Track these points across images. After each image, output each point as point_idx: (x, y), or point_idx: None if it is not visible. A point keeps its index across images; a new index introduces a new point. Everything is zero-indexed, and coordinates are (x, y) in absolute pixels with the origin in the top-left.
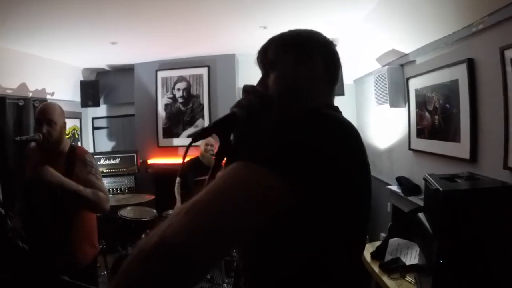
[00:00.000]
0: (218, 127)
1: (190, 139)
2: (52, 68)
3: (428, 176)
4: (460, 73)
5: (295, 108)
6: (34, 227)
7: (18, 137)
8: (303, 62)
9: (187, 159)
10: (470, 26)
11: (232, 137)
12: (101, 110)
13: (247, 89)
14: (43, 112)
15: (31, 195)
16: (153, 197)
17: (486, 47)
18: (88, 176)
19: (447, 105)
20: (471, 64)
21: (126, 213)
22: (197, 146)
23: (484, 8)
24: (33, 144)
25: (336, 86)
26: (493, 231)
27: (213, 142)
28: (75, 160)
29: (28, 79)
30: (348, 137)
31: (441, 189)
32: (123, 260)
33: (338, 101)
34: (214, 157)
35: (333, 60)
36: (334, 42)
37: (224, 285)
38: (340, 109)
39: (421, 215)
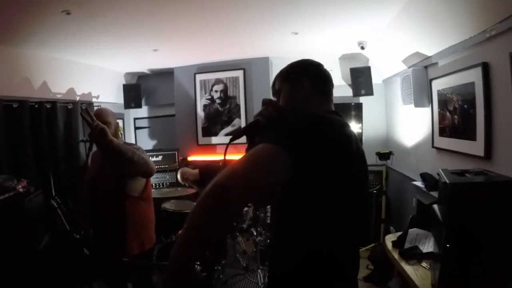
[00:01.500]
0: (246, 131)
1: (228, 137)
2: (97, 73)
3: (441, 171)
4: (476, 76)
5: (293, 116)
6: (94, 222)
7: (82, 138)
8: (294, 86)
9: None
10: (484, 32)
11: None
12: (142, 111)
13: (266, 102)
14: (99, 115)
15: (92, 193)
16: (194, 191)
17: (499, 51)
18: (140, 163)
19: (465, 106)
20: (485, 68)
21: (169, 205)
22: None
23: (496, 14)
24: (95, 148)
25: (330, 95)
26: (495, 222)
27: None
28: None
29: (75, 84)
30: (336, 130)
31: (448, 181)
32: (167, 249)
33: (368, 100)
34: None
35: (318, 77)
36: (320, 64)
37: (259, 271)
38: (371, 108)
39: (435, 206)
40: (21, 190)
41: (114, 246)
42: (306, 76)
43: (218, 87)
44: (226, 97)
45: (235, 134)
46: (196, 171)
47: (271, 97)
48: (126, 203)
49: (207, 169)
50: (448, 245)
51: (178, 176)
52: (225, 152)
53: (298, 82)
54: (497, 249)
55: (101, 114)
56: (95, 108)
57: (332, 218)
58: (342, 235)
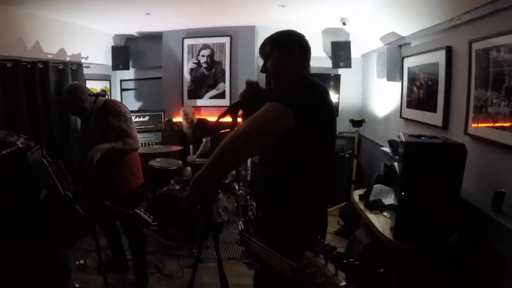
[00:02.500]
0: (230, 111)
1: (212, 100)
2: (87, 34)
3: (401, 134)
4: (440, 57)
5: (286, 80)
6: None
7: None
8: (284, 53)
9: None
10: (450, 20)
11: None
12: (130, 73)
13: (248, 84)
14: (71, 93)
15: (86, 144)
16: (181, 147)
17: (461, 38)
18: (119, 124)
19: (430, 82)
20: (449, 51)
21: (156, 163)
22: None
23: (462, 6)
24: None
25: (309, 61)
26: (442, 177)
27: (188, 111)
28: (108, 111)
29: (66, 44)
30: (323, 91)
31: (404, 140)
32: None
33: (346, 72)
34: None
35: (304, 46)
36: (304, 35)
37: (240, 222)
38: (348, 80)
39: (395, 164)
40: (20, 145)
41: (104, 188)
42: (296, 45)
43: (205, 52)
44: (212, 62)
45: (221, 114)
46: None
47: (257, 62)
48: (111, 157)
49: (204, 123)
50: (403, 193)
51: (181, 113)
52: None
53: (289, 50)
54: (443, 199)
55: (72, 92)
56: (84, 69)
57: (320, 157)
58: (325, 170)
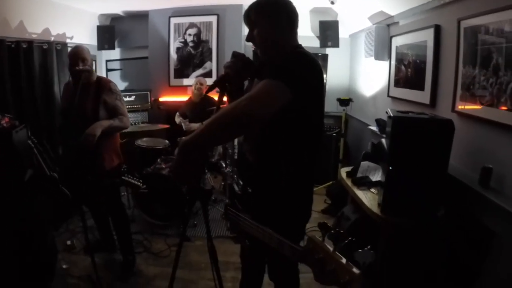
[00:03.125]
0: (217, 84)
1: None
2: (72, 14)
3: (389, 110)
4: (428, 36)
5: (274, 50)
6: (71, 143)
7: (76, 68)
8: (272, 21)
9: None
10: None
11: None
12: (115, 53)
13: (234, 55)
14: (76, 53)
15: (67, 119)
16: (167, 126)
17: (449, 17)
18: (114, 102)
19: (418, 61)
20: (437, 29)
21: (142, 142)
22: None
23: None
24: (69, 79)
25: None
26: (426, 149)
27: (203, 82)
28: (102, 88)
29: (50, 24)
30: (317, 65)
31: (392, 115)
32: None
33: (334, 52)
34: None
35: (292, 13)
36: (291, 2)
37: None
38: (336, 59)
39: (383, 141)
40: (5, 124)
41: (87, 165)
42: (284, 12)
43: (192, 31)
44: (199, 41)
45: (209, 87)
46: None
47: (244, 40)
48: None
49: (210, 99)
50: (390, 168)
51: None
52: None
53: (276, 18)
54: (431, 174)
55: (79, 52)
56: (69, 49)
57: (313, 132)
58: (317, 146)
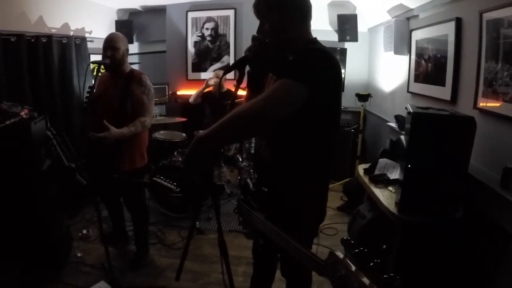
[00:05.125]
0: (236, 65)
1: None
2: (90, 9)
3: (409, 105)
4: (449, 29)
5: (287, 43)
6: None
7: (93, 61)
8: (285, 14)
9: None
10: None
11: (247, 69)
12: (133, 47)
13: (254, 38)
14: (109, 40)
15: (94, 110)
16: (184, 119)
17: (471, 9)
18: (141, 96)
19: (438, 55)
20: (458, 22)
21: (159, 135)
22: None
23: None
24: (103, 71)
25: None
26: (448, 148)
27: (220, 75)
28: (132, 79)
29: (70, 19)
30: (334, 60)
31: (411, 111)
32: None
33: (352, 46)
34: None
35: (305, 5)
36: None
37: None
38: (355, 54)
39: (402, 137)
40: (24, 116)
41: (107, 162)
42: (297, 5)
43: (209, 25)
44: (216, 35)
45: (227, 69)
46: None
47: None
48: (125, 121)
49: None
50: (409, 166)
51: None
52: (219, 83)
53: (289, 10)
54: (450, 173)
55: (112, 39)
56: (88, 43)
57: (330, 129)
58: (333, 143)
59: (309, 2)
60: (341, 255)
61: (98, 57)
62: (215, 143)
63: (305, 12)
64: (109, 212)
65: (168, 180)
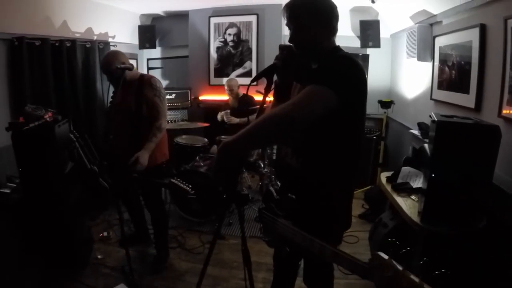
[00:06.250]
0: (265, 73)
1: (239, 79)
2: (113, 14)
3: (433, 113)
4: (473, 36)
5: (315, 53)
6: (116, 140)
7: (118, 65)
8: (322, 27)
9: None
10: None
11: (275, 77)
12: (156, 52)
13: (282, 47)
14: (102, 67)
15: (116, 114)
16: (206, 124)
17: (495, 15)
18: (153, 98)
19: (462, 62)
20: (483, 29)
21: (181, 140)
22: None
23: None
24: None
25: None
26: (470, 156)
27: (231, 83)
28: (144, 84)
29: (93, 24)
30: (361, 68)
31: (436, 119)
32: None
33: (375, 52)
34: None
35: (337, 19)
36: (335, 6)
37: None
38: (377, 60)
39: (426, 146)
40: (48, 119)
41: (129, 160)
42: (334, 19)
43: (232, 31)
44: (239, 41)
45: (255, 76)
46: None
47: (284, 40)
48: (143, 123)
49: (248, 98)
50: (433, 175)
51: (226, 85)
52: (247, 90)
53: (328, 21)
54: (475, 183)
55: (103, 66)
56: (111, 47)
57: (357, 136)
58: (359, 150)
59: (337, 11)
60: (386, 256)
61: None
62: (243, 148)
63: (335, 22)
64: (130, 214)
65: (184, 182)
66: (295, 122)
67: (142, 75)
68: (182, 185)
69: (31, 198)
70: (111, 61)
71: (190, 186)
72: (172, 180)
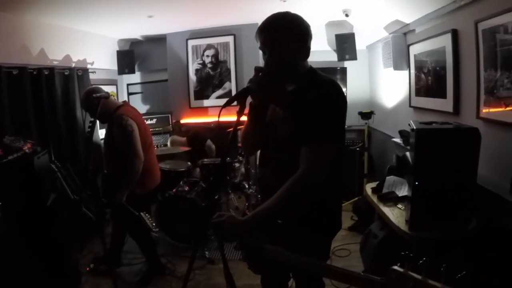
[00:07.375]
0: (237, 97)
1: (219, 100)
2: (91, 40)
3: (411, 122)
4: (446, 41)
5: (291, 74)
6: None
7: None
8: (299, 46)
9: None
10: (454, 2)
11: (248, 100)
12: (136, 77)
13: (257, 69)
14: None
15: (104, 148)
16: (188, 148)
17: (466, 20)
18: (120, 138)
19: (437, 68)
20: (455, 34)
21: (164, 165)
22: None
23: None
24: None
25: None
26: (452, 160)
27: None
28: (112, 125)
29: (71, 51)
30: (343, 94)
31: (415, 127)
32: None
33: (352, 64)
34: None
35: (311, 38)
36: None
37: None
38: (355, 72)
39: (407, 154)
40: (27, 150)
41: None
42: (309, 39)
43: (210, 52)
44: (217, 62)
45: (228, 101)
46: (184, 139)
47: (262, 59)
48: (117, 162)
49: (195, 136)
50: (416, 183)
51: (168, 143)
52: (219, 115)
53: (304, 45)
54: (459, 185)
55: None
56: (90, 74)
57: (341, 154)
58: (343, 163)
59: (311, 31)
60: (401, 269)
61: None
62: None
63: (310, 43)
64: (113, 234)
65: (150, 219)
66: (319, 182)
67: (115, 110)
68: (147, 221)
69: (13, 232)
70: (87, 94)
71: (154, 224)
72: (141, 213)
